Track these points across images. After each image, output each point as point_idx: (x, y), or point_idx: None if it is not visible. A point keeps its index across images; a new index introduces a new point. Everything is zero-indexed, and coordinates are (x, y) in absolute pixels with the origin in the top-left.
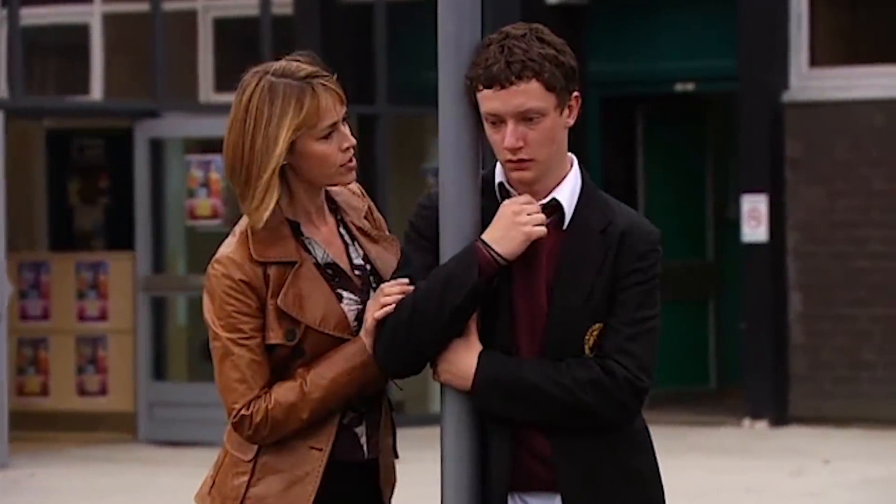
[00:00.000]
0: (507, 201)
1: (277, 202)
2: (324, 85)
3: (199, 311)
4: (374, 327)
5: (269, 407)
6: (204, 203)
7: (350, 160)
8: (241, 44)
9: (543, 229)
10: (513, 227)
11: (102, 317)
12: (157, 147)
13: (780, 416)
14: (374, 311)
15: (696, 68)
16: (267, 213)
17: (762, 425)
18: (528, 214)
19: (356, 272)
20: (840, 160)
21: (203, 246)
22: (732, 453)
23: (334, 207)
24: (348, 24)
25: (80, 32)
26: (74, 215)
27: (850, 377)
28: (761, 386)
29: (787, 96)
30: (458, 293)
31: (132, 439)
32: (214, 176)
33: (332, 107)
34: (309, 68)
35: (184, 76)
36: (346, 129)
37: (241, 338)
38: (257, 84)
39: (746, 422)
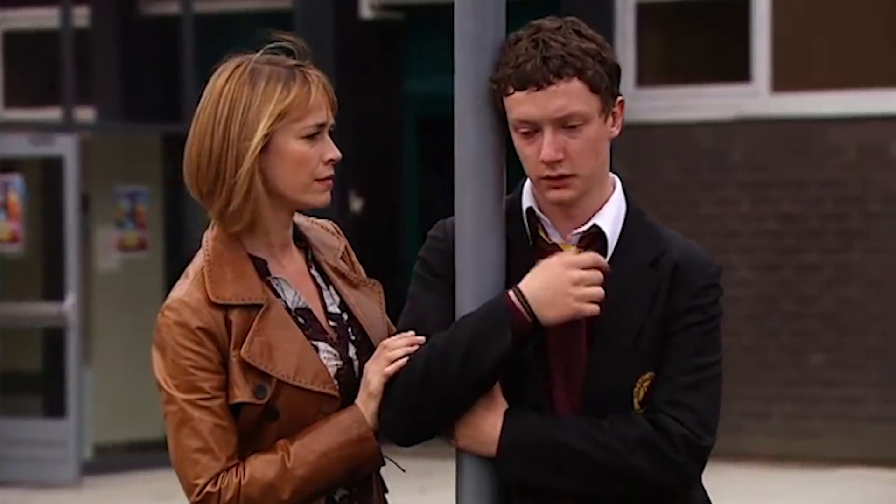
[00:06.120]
0: (564, 257)
1: (238, 235)
2: (319, 78)
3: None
4: (383, 388)
5: (243, 483)
6: (2, 226)
7: (329, 178)
8: (34, 58)
9: (596, 307)
10: (566, 295)
11: None
12: None
13: None
14: (381, 368)
15: None
16: (253, 217)
17: None
18: (588, 286)
19: (331, 322)
20: (669, 183)
21: (2, 272)
22: None
23: (304, 245)
24: (152, 37)
25: None
26: None
27: None
28: None
29: None
30: (485, 358)
31: None
32: (13, 198)
33: (323, 105)
34: (299, 62)
35: None
36: (331, 141)
37: (202, 398)
38: (236, 68)
39: None
